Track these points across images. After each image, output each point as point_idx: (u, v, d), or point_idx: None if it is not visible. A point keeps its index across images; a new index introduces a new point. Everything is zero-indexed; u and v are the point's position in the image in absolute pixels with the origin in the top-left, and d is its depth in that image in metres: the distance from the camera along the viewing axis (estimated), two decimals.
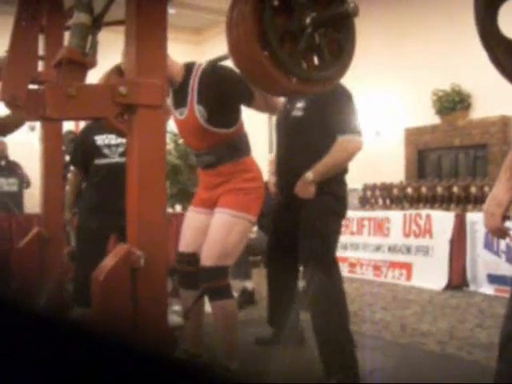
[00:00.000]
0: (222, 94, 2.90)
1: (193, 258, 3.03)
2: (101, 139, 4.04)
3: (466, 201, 6.94)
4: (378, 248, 7.34)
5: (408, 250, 6.95)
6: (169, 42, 2.07)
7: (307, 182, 3.14)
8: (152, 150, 1.97)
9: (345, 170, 3.33)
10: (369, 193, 8.07)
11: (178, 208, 8.23)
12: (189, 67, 3.01)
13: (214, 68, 2.95)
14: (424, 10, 9.10)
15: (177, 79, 2.99)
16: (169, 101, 3.06)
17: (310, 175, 3.13)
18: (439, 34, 8.80)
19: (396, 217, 7.20)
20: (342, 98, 3.21)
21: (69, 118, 2.34)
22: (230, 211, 2.96)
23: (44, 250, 3.40)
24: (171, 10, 7.73)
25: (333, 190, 3.22)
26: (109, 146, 4.03)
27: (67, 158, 4.73)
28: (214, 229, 2.96)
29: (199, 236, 3.05)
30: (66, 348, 0.77)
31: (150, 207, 1.97)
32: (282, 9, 2.12)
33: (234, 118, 3.02)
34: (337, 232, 3.28)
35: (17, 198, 7.65)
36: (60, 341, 0.78)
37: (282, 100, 3.48)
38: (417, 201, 7.41)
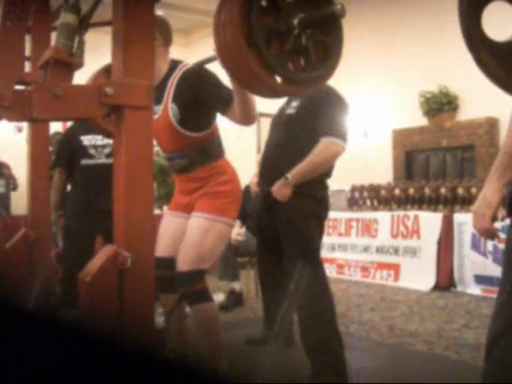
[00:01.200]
0: (197, 97, 2.85)
1: (169, 262, 2.99)
2: (87, 139, 4.04)
3: (453, 202, 6.97)
4: (365, 249, 7.36)
5: (396, 250, 6.98)
6: None
7: (284, 184, 3.14)
8: (139, 151, 1.96)
9: (327, 174, 3.33)
10: (357, 194, 8.09)
11: (166, 209, 8.20)
12: (174, 64, 2.98)
13: (196, 69, 2.91)
14: (412, 12, 9.14)
15: (159, 75, 2.94)
16: None
17: (288, 177, 3.13)
18: (427, 36, 8.85)
19: (384, 218, 7.23)
20: (333, 102, 3.22)
21: (56, 119, 2.32)
22: (205, 215, 2.92)
23: (31, 252, 3.38)
24: (159, 12, 7.71)
25: (313, 192, 3.22)
26: (95, 146, 4.03)
27: None
28: (189, 233, 2.93)
29: (176, 240, 3.01)
30: (54, 349, 0.76)
31: (137, 208, 1.96)
32: (269, 9, 2.12)
33: (207, 122, 2.97)
34: (319, 233, 3.28)
35: (3, 199, 7.61)
36: (48, 342, 0.78)
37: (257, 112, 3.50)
38: (404, 202, 7.44)
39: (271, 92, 2.31)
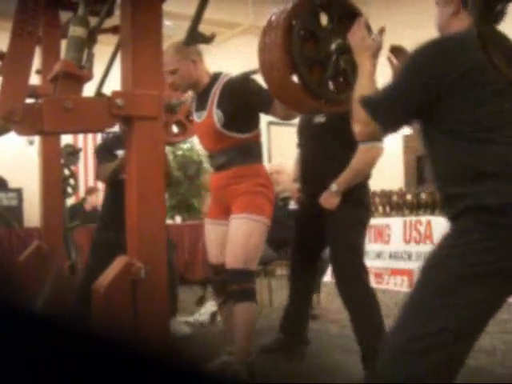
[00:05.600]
0: (241, 103, 2.99)
1: (223, 267, 3.09)
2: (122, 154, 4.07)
3: None
4: (378, 255, 7.33)
5: (409, 256, 6.94)
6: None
7: (332, 194, 3.22)
8: (150, 161, 1.97)
9: (367, 177, 3.41)
10: None
11: (178, 219, 8.22)
12: (216, 75, 3.15)
13: (238, 77, 3.07)
14: (418, 14, 9.12)
15: (201, 84, 3.11)
16: (192, 104, 3.26)
17: (334, 187, 3.21)
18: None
19: (396, 224, 7.19)
20: None
21: (66, 132, 2.34)
22: (246, 215, 3.01)
23: (45, 264, 3.39)
24: (167, 22, 7.74)
25: (357, 198, 3.30)
26: None
27: (66, 171, 4.73)
28: (233, 235, 3.01)
29: (223, 248, 3.11)
30: (67, 360, 0.76)
31: (150, 218, 1.97)
32: (308, 37, 2.29)
33: (250, 125, 3.12)
34: (363, 239, 3.35)
35: (16, 212, 7.64)
36: (61, 352, 0.78)
37: None
38: (417, 207, 7.40)
39: (314, 111, 2.43)
